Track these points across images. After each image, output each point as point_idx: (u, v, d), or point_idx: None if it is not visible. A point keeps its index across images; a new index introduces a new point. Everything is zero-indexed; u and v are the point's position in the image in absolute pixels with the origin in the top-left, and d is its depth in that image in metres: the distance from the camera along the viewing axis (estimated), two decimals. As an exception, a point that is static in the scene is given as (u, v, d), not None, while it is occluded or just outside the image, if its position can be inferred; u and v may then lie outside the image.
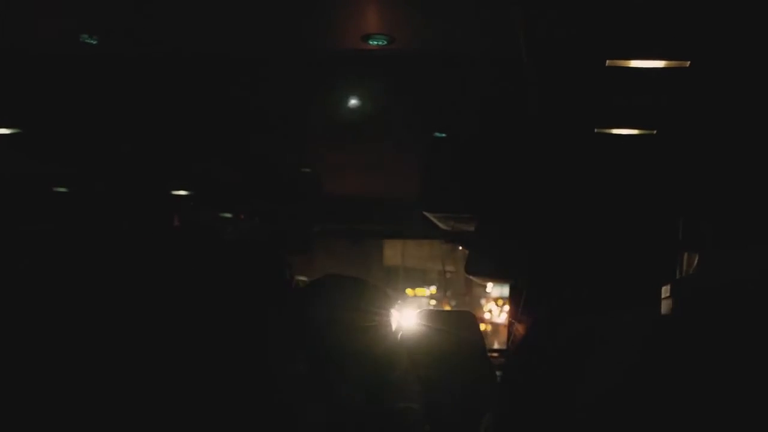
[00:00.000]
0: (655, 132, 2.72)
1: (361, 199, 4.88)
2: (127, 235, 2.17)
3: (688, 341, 1.24)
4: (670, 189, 3.06)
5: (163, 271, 1.95)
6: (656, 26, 1.87)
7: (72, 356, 1.75)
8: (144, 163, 3.97)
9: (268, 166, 4.20)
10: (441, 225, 4.11)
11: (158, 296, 1.88)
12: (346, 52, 2.57)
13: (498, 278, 3.96)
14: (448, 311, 8.18)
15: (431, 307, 15.72)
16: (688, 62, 2.05)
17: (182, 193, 4.57)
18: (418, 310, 3.36)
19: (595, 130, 2.73)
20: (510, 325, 3.97)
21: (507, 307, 4.15)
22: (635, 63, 2.07)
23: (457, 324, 3.19)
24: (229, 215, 4.85)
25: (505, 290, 4.70)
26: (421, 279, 19.82)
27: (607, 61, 2.04)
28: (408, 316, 3.77)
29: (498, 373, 3.21)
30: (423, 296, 19.50)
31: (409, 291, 18.36)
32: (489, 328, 17.40)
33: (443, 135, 3.46)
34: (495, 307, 18.75)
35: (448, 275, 19.40)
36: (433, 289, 20.03)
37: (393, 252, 17.26)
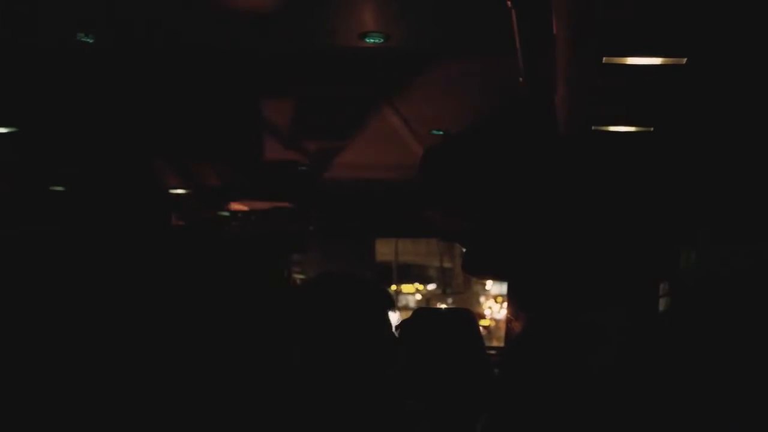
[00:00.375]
0: (652, 129, 2.72)
1: (358, 196, 4.88)
2: (126, 233, 2.17)
3: (685, 337, 1.24)
4: (667, 186, 3.06)
5: (162, 268, 1.95)
6: (652, 23, 1.87)
7: (72, 355, 1.75)
8: (141, 161, 3.96)
9: (265, 164, 4.20)
10: (439, 223, 4.11)
11: (157, 294, 1.88)
12: (343, 50, 2.56)
13: (496, 276, 3.97)
14: (445, 309, 8.17)
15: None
16: (685, 59, 2.04)
17: (180, 191, 4.57)
18: (416, 308, 3.35)
19: (593, 128, 2.72)
20: (508, 322, 3.97)
21: (506, 305, 4.17)
22: (632, 60, 2.06)
23: (455, 322, 3.18)
24: (226, 214, 4.85)
25: (504, 288, 4.72)
26: (417, 276, 19.68)
27: (604, 59, 2.04)
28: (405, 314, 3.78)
29: (495, 371, 3.20)
30: (409, 293, 19.21)
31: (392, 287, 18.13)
32: (492, 323, 17.30)
33: (440, 132, 3.46)
34: (495, 305, 18.72)
35: (447, 273, 19.35)
36: (431, 286, 19.94)
37: (385, 248, 16.94)
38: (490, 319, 17.86)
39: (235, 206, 4.85)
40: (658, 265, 2.86)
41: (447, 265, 19.12)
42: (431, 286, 19.95)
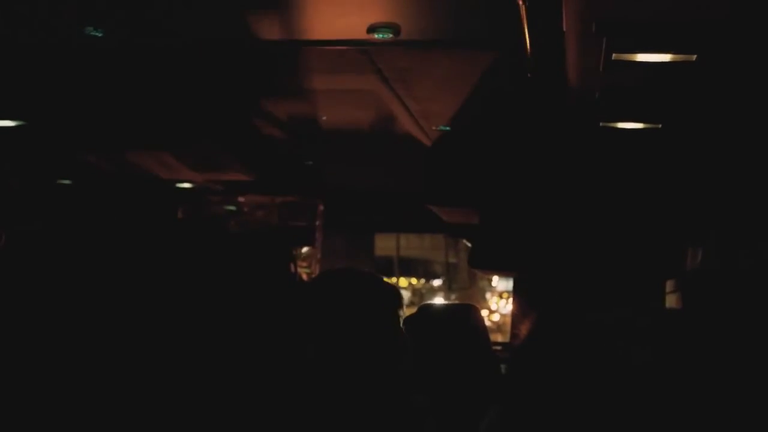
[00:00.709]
0: (660, 126, 2.71)
1: (365, 191, 4.88)
2: (132, 228, 2.17)
3: (693, 334, 1.23)
4: (675, 183, 3.06)
5: (169, 263, 1.95)
6: (663, 20, 1.87)
7: (75, 351, 1.75)
8: (148, 156, 3.96)
9: (272, 159, 4.20)
10: (444, 218, 4.11)
11: (163, 288, 1.88)
12: (351, 44, 2.56)
13: (502, 271, 3.97)
14: (451, 304, 8.18)
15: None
16: (695, 56, 2.04)
17: (186, 186, 4.57)
18: (422, 303, 3.36)
19: (600, 124, 2.72)
20: (513, 319, 3.97)
21: (512, 301, 4.17)
22: (641, 57, 2.06)
23: (461, 317, 3.18)
24: (233, 208, 4.85)
25: (510, 284, 4.70)
26: (422, 271, 19.55)
27: (614, 55, 2.03)
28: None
29: (502, 366, 3.20)
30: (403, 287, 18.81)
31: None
32: (500, 319, 17.19)
33: (447, 128, 3.45)
34: (501, 301, 18.67)
35: (452, 269, 19.26)
36: (437, 281, 19.84)
37: (386, 241, 16.66)
38: (497, 313, 17.82)
39: (242, 200, 4.85)
40: (665, 262, 2.86)
41: (452, 260, 19.07)
42: (437, 282, 19.87)
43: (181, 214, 4.66)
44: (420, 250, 18.42)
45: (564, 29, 2.01)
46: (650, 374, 1.17)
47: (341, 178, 4.68)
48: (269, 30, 2.48)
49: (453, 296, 18.13)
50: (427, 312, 3.17)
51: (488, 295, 19.69)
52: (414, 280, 19.46)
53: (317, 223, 4.84)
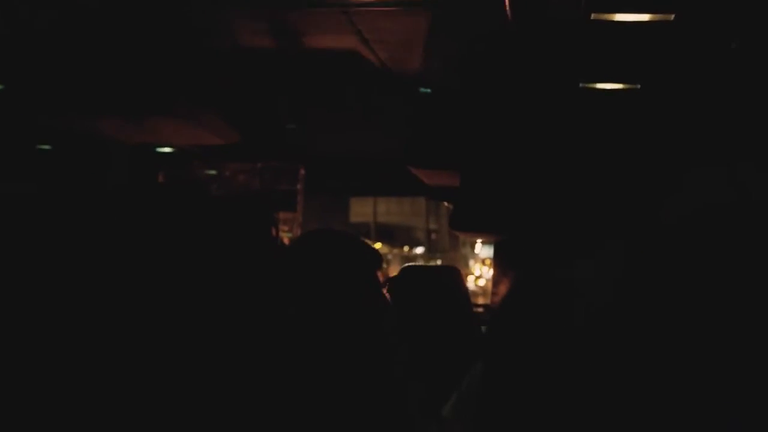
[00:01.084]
0: (639, 87, 2.72)
1: (345, 154, 4.88)
2: (112, 192, 2.16)
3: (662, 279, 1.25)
4: (656, 144, 3.07)
5: (149, 228, 1.95)
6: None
7: (53, 313, 1.76)
8: (126, 119, 3.94)
9: (253, 123, 4.19)
10: (426, 180, 4.11)
11: (144, 254, 1.88)
12: (330, 4, 2.55)
13: (483, 233, 3.98)
14: (433, 266, 8.23)
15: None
16: (672, 16, 2.05)
17: (167, 150, 4.55)
18: (404, 265, 3.38)
19: (580, 85, 2.73)
20: (494, 280, 4.00)
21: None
22: (619, 17, 2.07)
23: (443, 278, 3.21)
24: (214, 172, 4.84)
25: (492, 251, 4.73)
26: (404, 237, 19.48)
27: (592, 15, 2.04)
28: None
29: (482, 327, 3.24)
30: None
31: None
32: (485, 284, 17.27)
33: (428, 90, 3.45)
34: (484, 267, 18.76)
35: (434, 235, 19.22)
36: (419, 249, 19.84)
37: (362, 207, 16.27)
38: (482, 278, 17.91)
39: (223, 165, 4.83)
40: (632, 220, 2.88)
41: (433, 226, 19.07)
42: (419, 249, 19.86)
43: (162, 178, 4.64)
44: (399, 216, 18.29)
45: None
46: (621, 324, 1.19)
47: (322, 142, 4.67)
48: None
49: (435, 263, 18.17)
50: (409, 273, 3.20)
51: (471, 262, 19.78)
52: (395, 250, 19.47)
53: (299, 186, 4.84)
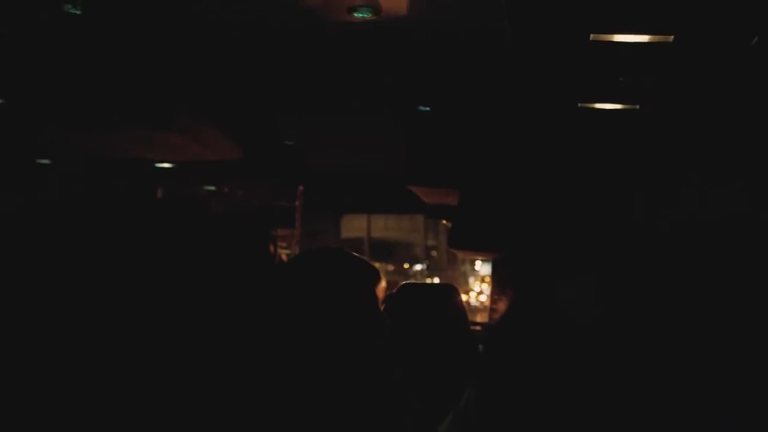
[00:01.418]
0: (638, 107, 2.73)
1: (344, 172, 4.88)
2: (112, 208, 2.17)
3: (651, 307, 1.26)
4: (653, 164, 3.08)
5: (149, 244, 1.95)
6: (641, 1, 1.88)
7: (54, 324, 1.76)
8: (125, 134, 3.94)
9: (252, 139, 4.20)
10: (425, 199, 4.12)
11: (143, 270, 1.88)
12: (331, 25, 2.56)
13: (482, 251, 3.98)
14: (431, 284, 8.22)
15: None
16: (672, 37, 2.06)
17: (166, 165, 4.55)
18: (403, 283, 3.38)
19: (579, 105, 2.74)
20: (492, 298, 4.00)
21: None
22: (619, 37, 2.08)
23: (441, 297, 3.21)
24: (213, 188, 4.84)
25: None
26: (402, 254, 19.39)
27: (591, 35, 2.05)
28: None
29: (480, 346, 3.23)
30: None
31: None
32: (486, 299, 17.21)
33: (427, 108, 3.46)
34: (484, 285, 18.75)
35: (434, 252, 19.18)
36: (417, 266, 19.77)
37: (354, 222, 15.95)
38: (483, 294, 17.88)
39: (222, 181, 4.84)
40: (626, 236, 2.89)
41: (431, 242, 19.03)
42: (418, 266, 19.81)
43: (161, 194, 4.64)
44: (397, 232, 18.15)
45: (542, 9, 2.02)
46: (621, 344, 1.19)
47: (322, 159, 4.68)
48: (250, 8, 2.47)
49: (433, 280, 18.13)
50: (407, 291, 3.19)
51: (471, 280, 19.78)
52: (390, 267, 19.38)
53: (297, 203, 4.85)
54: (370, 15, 2.42)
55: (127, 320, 1.83)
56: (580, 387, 1.26)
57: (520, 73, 2.80)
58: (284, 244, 4.75)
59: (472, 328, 3.43)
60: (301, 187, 4.91)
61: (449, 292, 3.28)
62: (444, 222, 4.90)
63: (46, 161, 4.32)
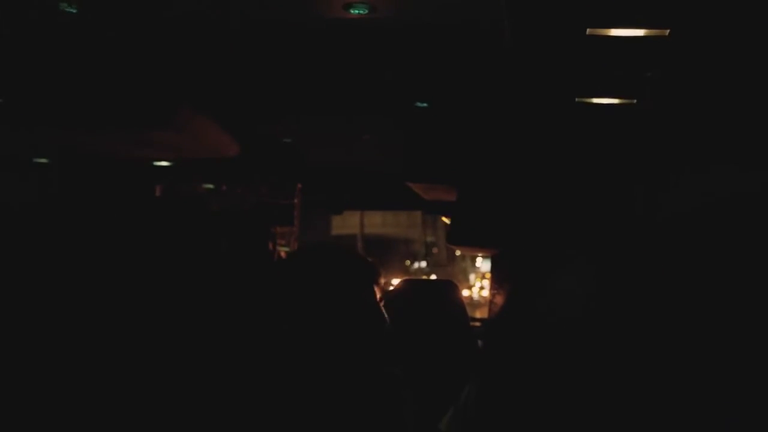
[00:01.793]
0: (635, 102, 2.74)
1: (342, 169, 4.89)
2: (111, 206, 2.17)
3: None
4: (648, 158, 3.09)
5: (149, 242, 1.96)
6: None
7: (56, 318, 1.76)
8: (124, 133, 3.95)
9: (251, 137, 4.20)
10: (424, 195, 4.12)
11: (143, 268, 1.89)
12: (327, 21, 2.56)
13: (480, 248, 3.99)
14: (431, 280, 8.24)
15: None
16: (668, 31, 2.06)
17: (165, 164, 4.55)
18: (402, 279, 3.38)
19: (576, 100, 2.74)
20: (490, 294, 4.01)
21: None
22: (615, 32, 2.08)
23: (440, 292, 3.22)
24: (211, 186, 4.84)
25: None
26: (401, 251, 19.33)
27: (588, 30, 2.05)
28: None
29: (479, 341, 3.24)
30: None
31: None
32: (488, 294, 17.23)
33: (425, 104, 3.46)
34: (485, 281, 18.79)
35: (435, 249, 19.15)
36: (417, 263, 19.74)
37: (347, 218, 15.61)
38: (485, 290, 17.93)
39: (221, 179, 4.84)
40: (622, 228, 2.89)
41: (430, 239, 19.03)
42: (417, 264, 19.82)
43: (160, 192, 4.64)
44: (395, 228, 18.07)
45: (539, 4, 2.02)
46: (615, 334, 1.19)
47: (320, 156, 4.68)
48: (247, 5, 2.47)
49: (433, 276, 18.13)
50: (406, 287, 3.20)
51: (472, 276, 19.81)
52: (389, 263, 19.35)
53: (296, 201, 4.85)
54: (366, 12, 2.42)
55: (126, 316, 1.83)
56: (578, 381, 1.26)
57: (517, 68, 2.80)
58: (283, 242, 4.75)
59: (472, 324, 3.44)
60: (299, 185, 4.91)
61: (448, 288, 3.28)
62: (443, 218, 4.91)
63: (45, 161, 4.32)
